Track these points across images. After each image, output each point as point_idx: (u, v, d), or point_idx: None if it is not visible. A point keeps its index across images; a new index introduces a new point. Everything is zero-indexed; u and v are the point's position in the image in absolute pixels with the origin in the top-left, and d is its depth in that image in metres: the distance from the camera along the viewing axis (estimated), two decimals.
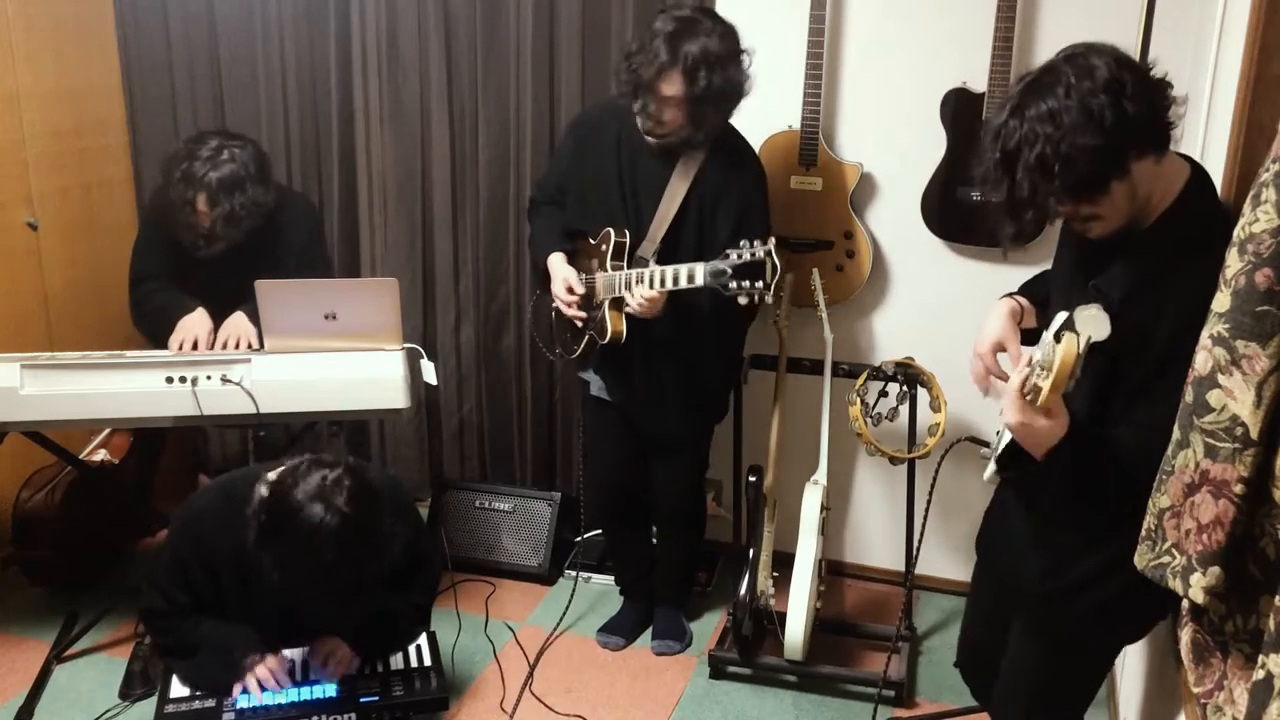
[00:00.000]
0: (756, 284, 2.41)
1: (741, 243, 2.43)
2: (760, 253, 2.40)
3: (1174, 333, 1.56)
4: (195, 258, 2.91)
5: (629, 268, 2.66)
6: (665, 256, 2.66)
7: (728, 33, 2.52)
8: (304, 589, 2.17)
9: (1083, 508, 1.73)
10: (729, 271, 2.42)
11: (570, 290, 2.73)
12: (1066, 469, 1.64)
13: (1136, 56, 2.33)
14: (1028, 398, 1.57)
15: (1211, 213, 1.66)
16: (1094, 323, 1.48)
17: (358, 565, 2.18)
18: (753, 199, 2.69)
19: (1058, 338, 1.51)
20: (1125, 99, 1.52)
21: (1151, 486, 1.52)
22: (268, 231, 2.96)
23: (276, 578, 2.16)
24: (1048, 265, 1.99)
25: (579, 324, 2.79)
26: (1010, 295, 1.98)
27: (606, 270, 2.68)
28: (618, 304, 2.67)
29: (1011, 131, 1.57)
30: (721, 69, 2.48)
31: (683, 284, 2.52)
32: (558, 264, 2.78)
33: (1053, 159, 1.52)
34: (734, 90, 2.54)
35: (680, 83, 2.48)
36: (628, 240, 2.68)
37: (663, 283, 2.54)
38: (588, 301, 2.76)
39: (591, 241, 2.75)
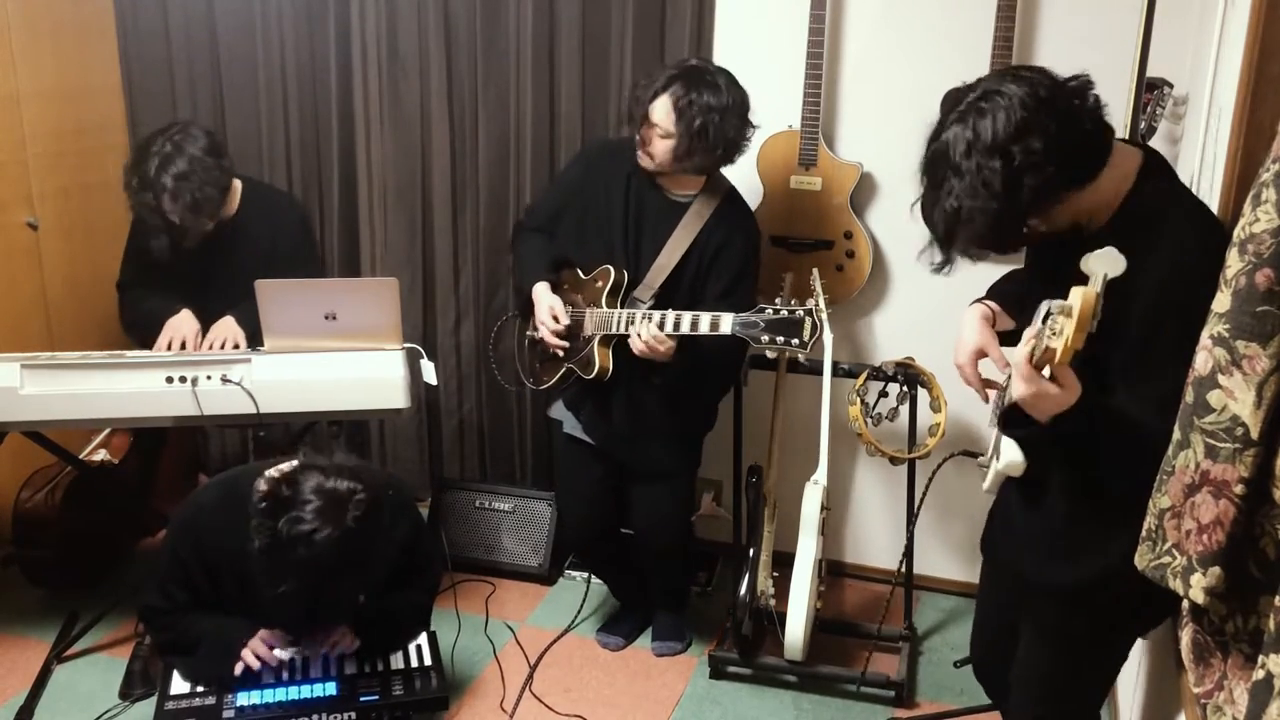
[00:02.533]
0: (793, 341, 2.41)
1: (778, 299, 2.45)
2: (800, 312, 2.41)
3: (1150, 307, 1.57)
4: (183, 259, 2.92)
5: (622, 307, 2.66)
6: (661, 303, 2.65)
7: (733, 88, 2.54)
8: (302, 596, 2.16)
9: (1085, 498, 1.74)
10: (762, 325, 2.42)
11: (555, 319, 2.72)
12: (1072, 434, 1.61)
13: (1136, 57, 2.34)
14: (1038, 364, 1.54)
15: (1169, 191, 1.67)
16: (1107, 260, 1.43)
17: (357, 575, 2.18)
18: (745, 270, 2.71)
19: (1049, 320, 1.48)
20: (1021, 168, 1.58)
21: (1140, 465, 1.53)
22: (253, 230, 2.96)
23: (273, 587, 2.15)
24: None
25: (559, 354, 2.77)
26: (980, 300, 1.97)
27: (600, 306, 2.67)
28: (608, 341, 2.67)
29: (929, 200, 1.76)
30: (712, 114, 2.49)
31: (703, 330, 2.50)
32: (543, 292, 2.76)
33: (954, 220, 1.71)
34: (723, 141, 2.54)
35: (670, 114, 2.50)
36: (626, 279, 2.68)
37: (676, 326, 2.52)
38: (571, 334, 2.74)
39: (583, 275, 2.74)
